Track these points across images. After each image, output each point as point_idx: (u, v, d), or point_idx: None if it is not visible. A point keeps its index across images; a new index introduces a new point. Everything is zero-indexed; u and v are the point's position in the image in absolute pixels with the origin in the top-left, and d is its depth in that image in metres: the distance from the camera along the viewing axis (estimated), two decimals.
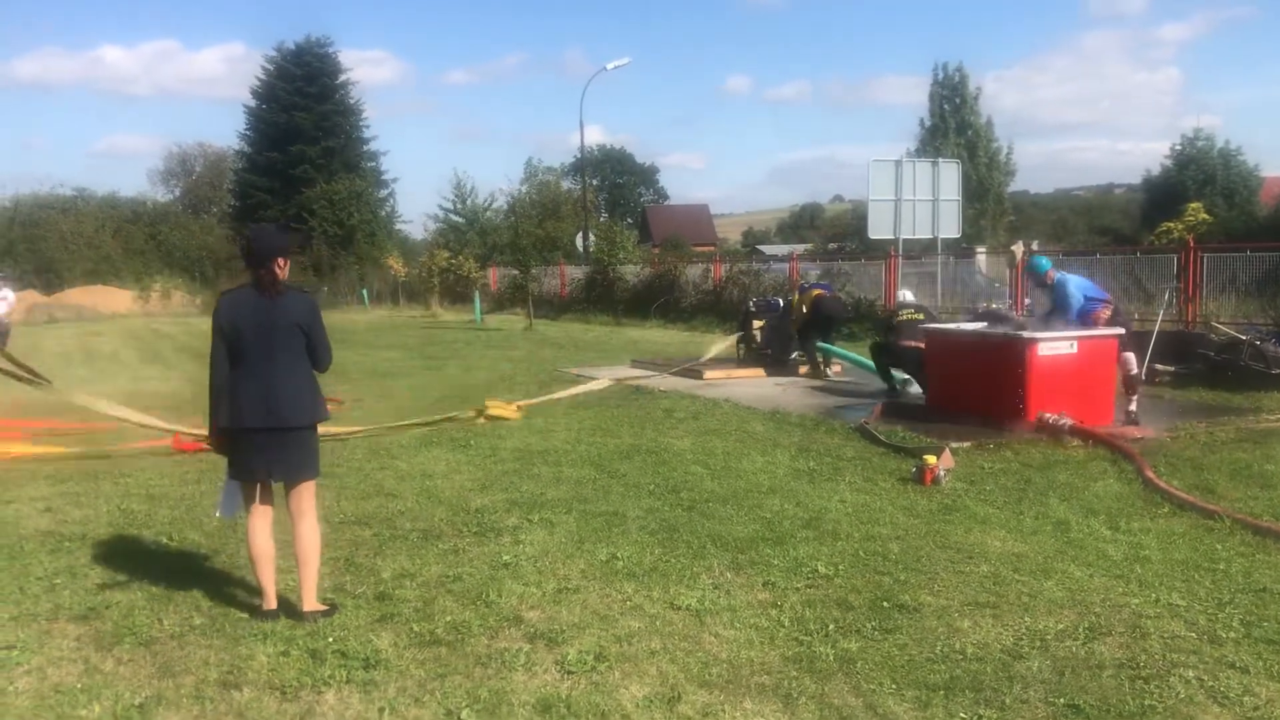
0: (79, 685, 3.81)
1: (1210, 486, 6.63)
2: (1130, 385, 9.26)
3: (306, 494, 4.54)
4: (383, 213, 52.29)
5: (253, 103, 51.19)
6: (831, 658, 3.95)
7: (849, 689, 3.68)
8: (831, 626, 4.27)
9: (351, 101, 52.47)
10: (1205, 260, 14.81)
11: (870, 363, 11.65)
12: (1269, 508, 6.08)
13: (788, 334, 13.78)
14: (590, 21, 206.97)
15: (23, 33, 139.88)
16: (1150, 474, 6.77)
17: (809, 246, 58.35)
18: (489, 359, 17.04)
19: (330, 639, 4.19)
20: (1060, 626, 4.23)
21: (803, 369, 13.34)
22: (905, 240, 20.27)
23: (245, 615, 4.49)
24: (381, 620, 4.43)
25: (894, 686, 3.69)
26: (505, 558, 5.29)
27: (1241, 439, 8.21)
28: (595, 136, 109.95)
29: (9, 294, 17.55)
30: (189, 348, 19.50)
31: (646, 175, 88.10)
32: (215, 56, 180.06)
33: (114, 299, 40.06)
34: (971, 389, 9.03)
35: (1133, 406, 9.08)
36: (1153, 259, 16.68)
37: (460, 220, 53.50)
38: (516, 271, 29.01)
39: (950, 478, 6.87)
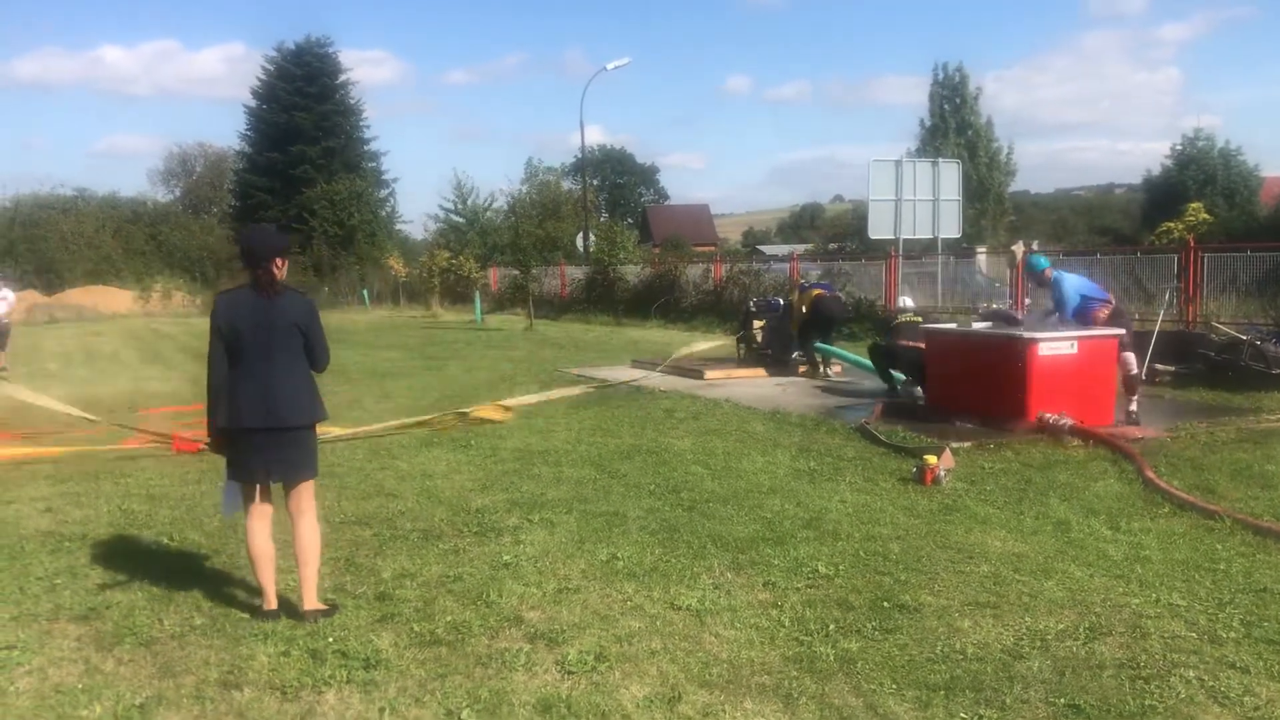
0: (79, 685, 3.81)
1: (1211, 486, 6.63)
2: (1130, 385, 9.25)
3: (306, 494, 4.54)
4: (383, 213, 52.34)
5: (253, 103, 51.24)
6: (832, 658, 3.95)
7: (849, 689, 3.68)
8: (832, 626, 4.27)
9: (351, 101, 52.56)
10: (1205, 260, 14.80)
11: (869, 363, 11.65)
12: (1269, 508, 6.08)
13: (788, 334, 13.78)
14: (590, 21, 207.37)
15: (23, 33, 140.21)
16: (1151, 474, 6.77)
17: (809, 246, 58.34)
18: (489, 359, 17.04)
19: (331, 639, 4.19)
20: (1061, 626, 4.23)
21: (802, 369, 13.34)
22: (905, 240, 20.29)
23: (246, 615, 4.49)
24: (382, 620, 4.43)
25: (894, 686, 3.69)
26: (506, 558, 5.29)
27: (1242, 439, 8.21)
28: (595, 136, 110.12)
29: (9, 294, 17.52)
30: (189, 348, 19.49)
31: (647, 175, 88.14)
32: (215, 56, 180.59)
33: (114, 299, 40.08)
34: (972, 389, 9.03)
35: (1133, 406, 9.08)
36: (1153, 259, 16.66)
37: (461, 220, 53.48)
38: (517, 272, 29.01)
39: (951, 478, 6.87)
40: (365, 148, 53.00)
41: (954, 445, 7.67)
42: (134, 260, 47.86)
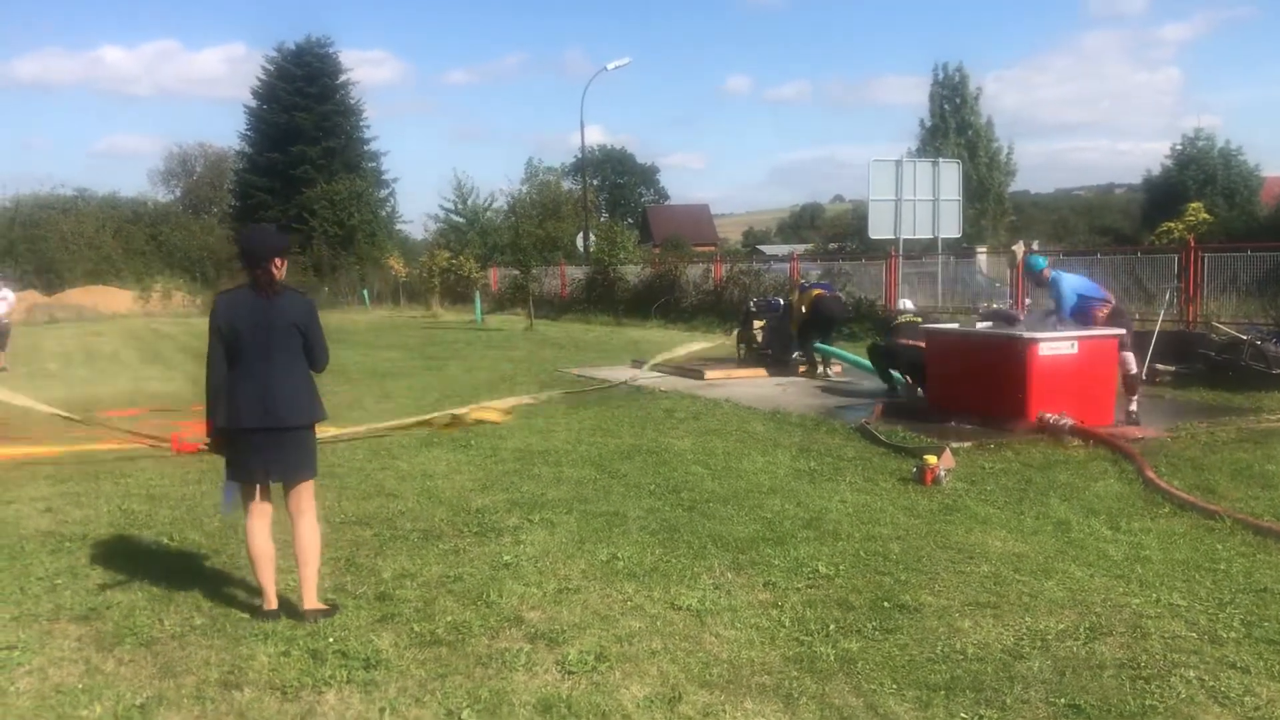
0: (80, 685, 3.81)
1: (1211, 486, 6.63)
2: (1130, 385, 9.25)
3: (305, 493, 4.54)
4: (383, 213, 52.35)
5: (253, 103, 51.26)
6: (832, 658, 3.95)
7: (850, 689, 3.68)
8: (832, 626, 4.27)
9: (352, 102, 52.58)
10: (1206, 260, 14.80)
11: (869, 363, 11.65)
12: (1270, 508, 6.08)
13: (788, 334, 13.78)
14: (590, 21, 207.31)
15: (23, 33, 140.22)
16: (1151, 474, 6.77)
17: (809, 246, 58.35)
18: (489, 359, 17.04)
19: (331, 639, 4.19)
20: (1061, 626, 4.23)
21: (802, 369, 13.34)
22: (906, 240, 20.29)
23: (246, 615, 4.48)
24: (382, 620, 4.43)
25: (895, 686, 3.69)
26: (506, 558, 5.29)
27: (1242, 439, 8.21)
28: (595, 136, 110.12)
29: (9, 294, 17.53)
30: (189, 348, 19.49)
31: (647, 175, 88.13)
32: (215, 57, 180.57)
33: (114, 299, 40.08)
34: (972, 389, 9.03)
35: (1133, 406, 9.08)
36: (1153, 259, 16.66)
37: (461, 220, 53.50)
38: (517, 272, 29.00)
39: (951, 478, 6.87)
40: (365, 148, 53.05)
41: (954, 445, 7.68)
42: (134, 260, 47.88)
